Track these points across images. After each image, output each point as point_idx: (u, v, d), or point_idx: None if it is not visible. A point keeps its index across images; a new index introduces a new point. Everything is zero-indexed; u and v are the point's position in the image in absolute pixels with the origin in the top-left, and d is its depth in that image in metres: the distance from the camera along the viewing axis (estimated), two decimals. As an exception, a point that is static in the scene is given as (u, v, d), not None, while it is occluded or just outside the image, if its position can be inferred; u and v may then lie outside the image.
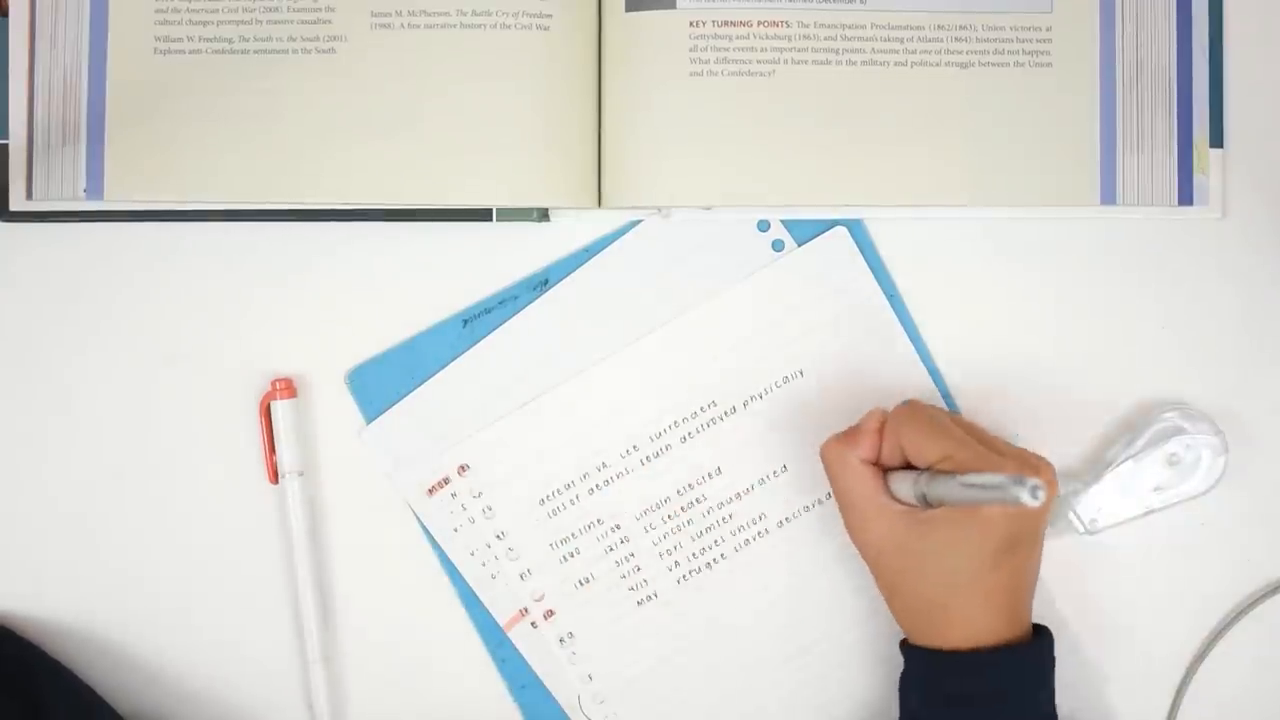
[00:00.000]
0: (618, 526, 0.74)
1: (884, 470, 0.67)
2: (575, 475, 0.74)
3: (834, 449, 0.68)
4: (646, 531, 0.74)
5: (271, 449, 0.73)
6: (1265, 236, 0.74)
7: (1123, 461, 0.72)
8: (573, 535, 0.74)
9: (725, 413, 0.74)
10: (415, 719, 0.74)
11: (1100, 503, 0.72)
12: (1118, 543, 0.73)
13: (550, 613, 0.74)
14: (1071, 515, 0.72)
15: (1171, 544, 0.74)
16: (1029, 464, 0.66)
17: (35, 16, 0.73)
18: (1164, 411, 0.72)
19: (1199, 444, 0.72)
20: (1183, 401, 0.73)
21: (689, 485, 0.74)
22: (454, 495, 0.74)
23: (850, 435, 0.68)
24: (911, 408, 0.68)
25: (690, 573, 0.74)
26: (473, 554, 0.74)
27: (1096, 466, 0.73)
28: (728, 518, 0.74)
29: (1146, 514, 0.72)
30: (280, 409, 0.73)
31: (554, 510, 0.73)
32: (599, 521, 0.74)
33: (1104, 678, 0.74)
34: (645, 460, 0.74)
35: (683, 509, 0.74)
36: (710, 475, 0.74)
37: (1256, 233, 0.74)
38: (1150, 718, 0.74)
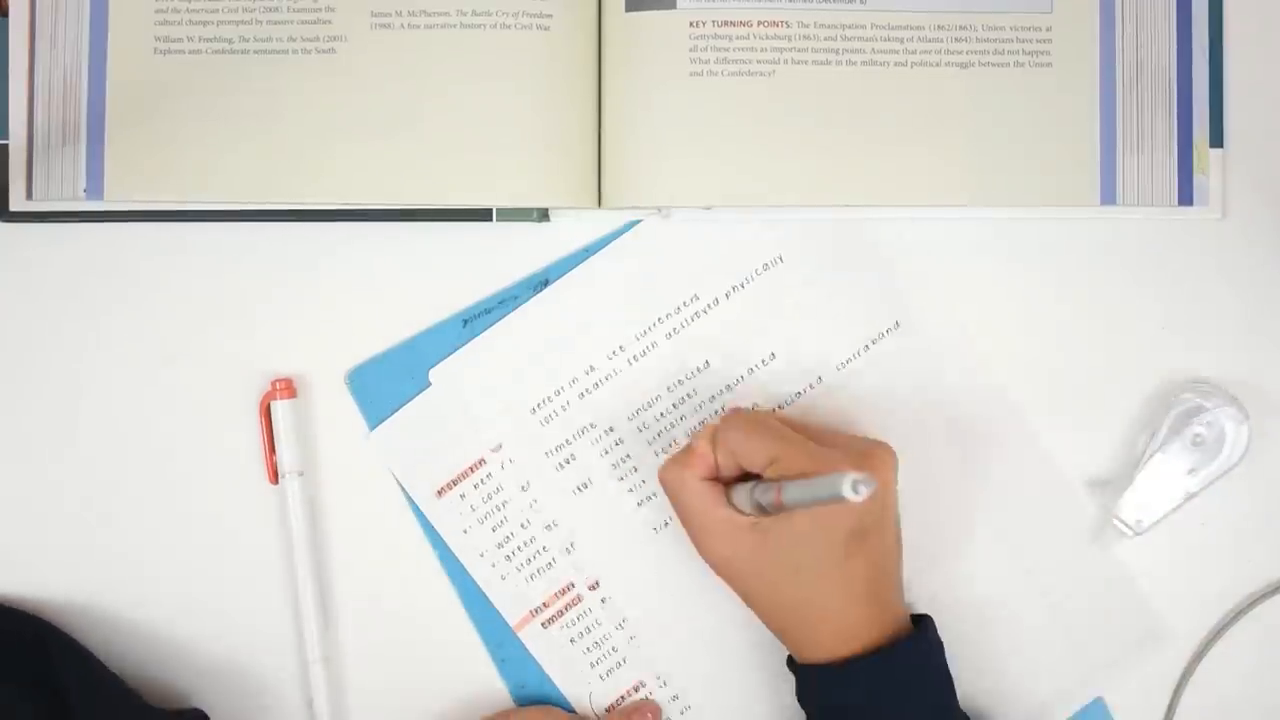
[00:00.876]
0: (611, 429, 0.74)
1: (725, 485, 0.67)
2: (564, 381, 0.74)
3: (671, 471, 0.67)
4: (640, 431, 0.74)
5: (271, 449, 0.73)
6: (1265, 236, 0.74)
7: (1151, 456, 0.72)
8: (567, 441, 0.74)
9: (708, 305, 0.74)
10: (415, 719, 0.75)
11: (1140, 501, 0.72)
12: (1118, 543, 0.73)
13: (597, 583, 0.73)
14: (1116, 522, 0.72)
15: (1171, 544, 0.73)
16: (861, 453, 0.66)
17: (35, 16, 0.73)
18: (1180, 393, 0.72)
19: (1219, 418, 0.71)
20: (1193, 381, 0.73)
21: (678, 381, 0.74)
22: (463, 496, 0.74)
23: (685, 455, 0.67)
24: (734, 415, 0.68)
25: None
26: (482, 555, 0.74)
27: (1124, 468, 0.73)
28: (721, 410, 0.74)
29: (1188, 499, 0.72)
30: (280, 409, 0.73)
31: (546, 419, 0.74)
32: (591, 425, 0.74)
33: (1103, 676, 0.74)
34: (632, 360, 0.74)
35: (674, 405, 0.74)
36: (699, 370, 0.74)
37: (1256, 233, 0.74)
38: (1149, 717, 0.74)
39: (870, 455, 0.66)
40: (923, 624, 0.67)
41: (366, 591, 0.74)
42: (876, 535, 0.66)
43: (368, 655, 0.74)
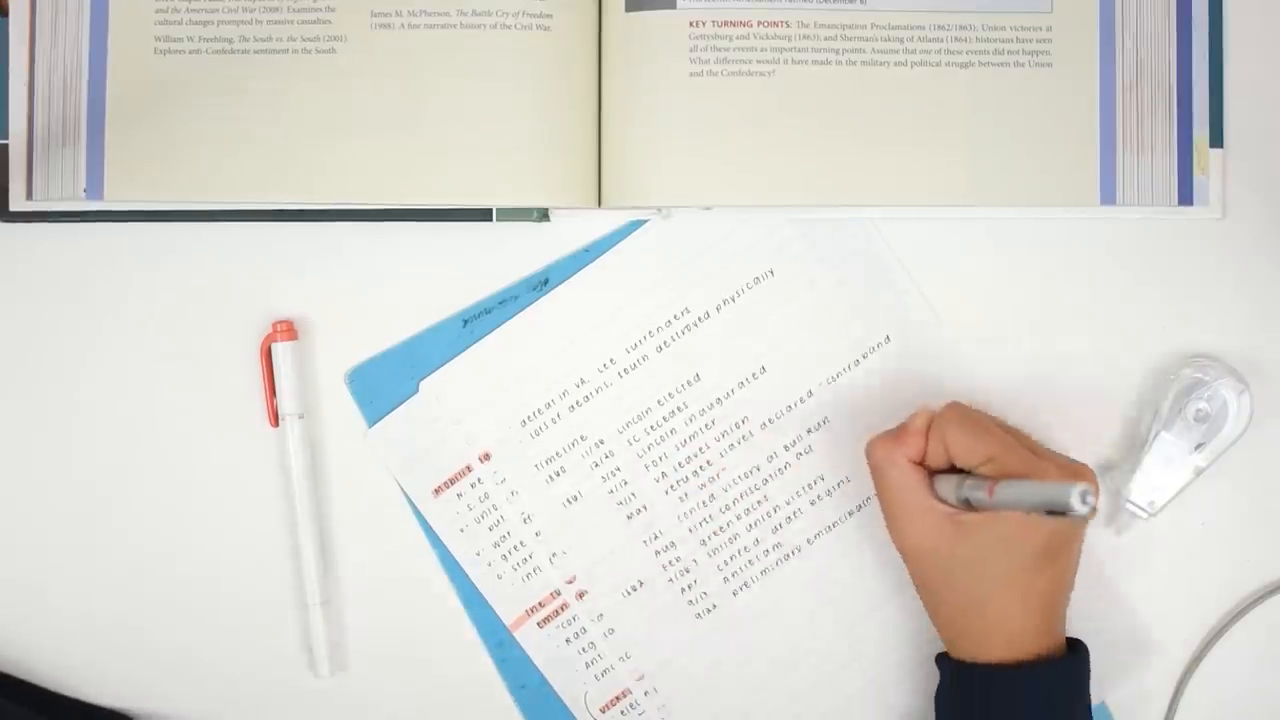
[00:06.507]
0: (601, 442, 0.74)
1: (929, 472, 0.67)
2: (555, 394, 0.74)
3: (881, 447, 0.67)
4: (630, 444, 0.74)
5: (272, 391, 0.73)
6: (1265, 236, 0.74)
7: (1156, 436, 0.72)
8: (557, 454, 0.74)
9: (699, 319, 0.74)
10: (413, 715, 0.75)
11: (1150, 483, 0.72)
12: (1118, 543, 0.73)
13: (583, 593, 0.74)
14: (1129, 506, 0.72)
15: (1171, 544, 0.74)
16: (1072, 470, 0.66)
17: (35, 16, 0.73)
18: (1179, 370, 0.72)
19: (1219, 391, 0.71)
20: (1192, 356, 0.73)
21: (669, 395, 0.74)
22: (459, 495, 0.74)
23: (898, 435, 0.67)
24: (957, 409, 0.68)
25: (677, 482, 0.74)
26: (478, 554, 0.74)
27: (1131, 451, 0.73)
28: (710, 424, 0.74)
29: (1198, 475, 0.72)
30: (281, 351, 0.73)
31: (536, 431, 0.74)
32: (582, 438, 0.74)
33: (1104, 677, 0.73)
34: (623, 373, 0.74)
35: (664, 419, 0.74)
36: (689, 383, 0.74)
37: (1256, 233, 0.74)
38: (1149, 717, 0.74)
39: (1081, 476, 0.67)
40: (1079, 648, 0.68)
41: (368, 592, 0.74)
42: (1065, 558, 0.67)
43: (367, 651, 0.74)
